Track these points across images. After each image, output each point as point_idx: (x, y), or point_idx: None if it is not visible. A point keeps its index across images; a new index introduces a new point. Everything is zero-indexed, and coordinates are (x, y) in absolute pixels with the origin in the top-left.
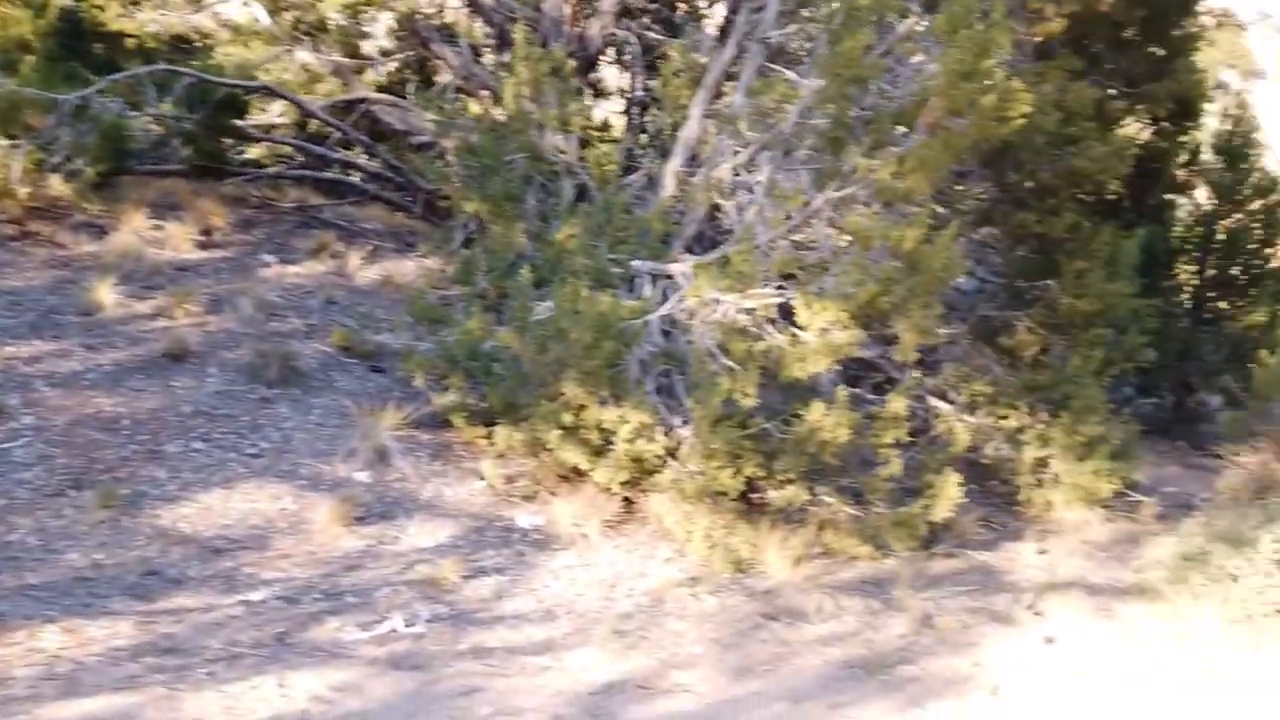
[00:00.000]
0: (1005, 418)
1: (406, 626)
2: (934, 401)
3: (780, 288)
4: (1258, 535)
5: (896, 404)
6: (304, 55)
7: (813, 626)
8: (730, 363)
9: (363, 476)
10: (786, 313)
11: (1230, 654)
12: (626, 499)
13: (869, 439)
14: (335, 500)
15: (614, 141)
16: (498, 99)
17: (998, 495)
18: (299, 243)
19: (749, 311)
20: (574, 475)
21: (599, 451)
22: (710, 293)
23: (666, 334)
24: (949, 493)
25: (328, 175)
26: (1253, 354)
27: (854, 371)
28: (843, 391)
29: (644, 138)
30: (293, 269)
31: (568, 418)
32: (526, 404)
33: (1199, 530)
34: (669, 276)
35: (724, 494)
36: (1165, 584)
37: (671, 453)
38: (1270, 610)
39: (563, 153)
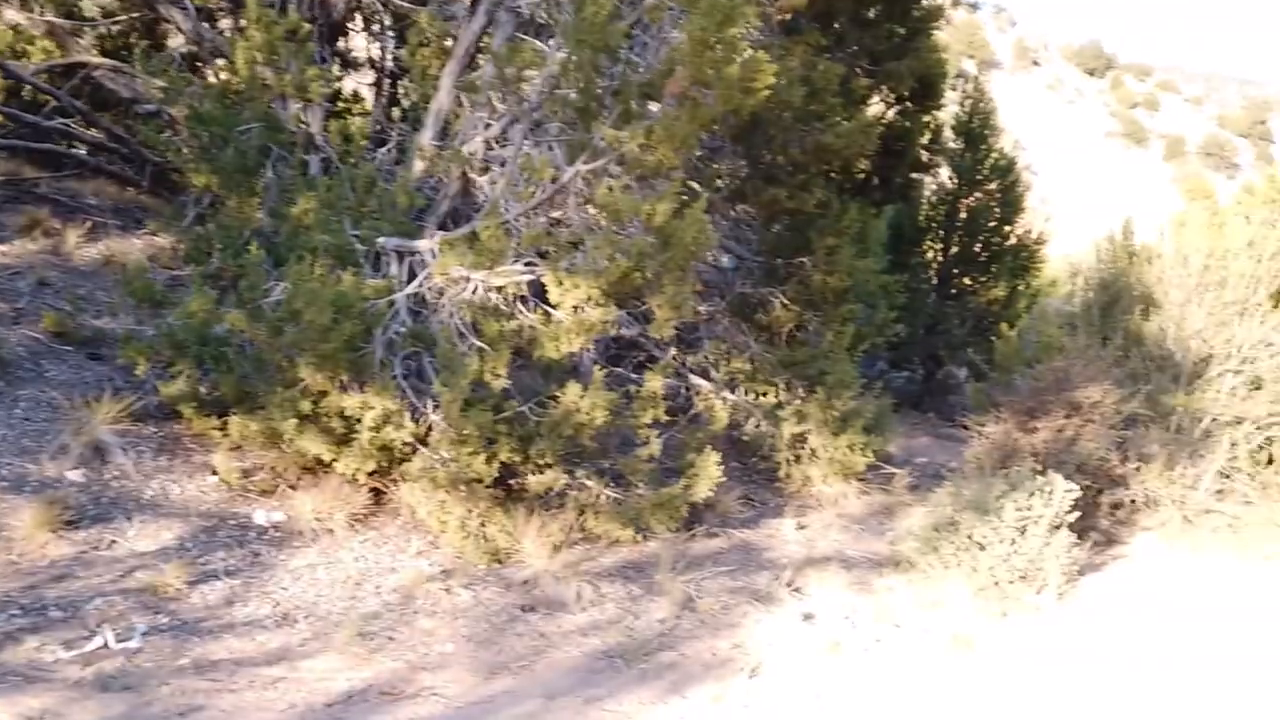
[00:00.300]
0: (764, 394)
1: (118, 642)
2: (695, 380)
3: (531, 264)
4: (1002, 504)
5: (654, 383)
6: (12, 15)
7: (572, 616)
8: (481, 343)
9: (75, 476)
10: (539, 291)
11: (979, 621)
12: (375, 490)
13: (628, 420)
14: (41, 503)
15: (365, 115)
16: (233, 66)
17: (758, 472)
18: (7, 219)
19: (499, 290)
20: (318, 467)
21: (342, 440)
22: (458, 270)
23: (416, 314)
24: (709, 472)
25: (45, 146)
26: (994, 327)
27: (616, 351)
28: (599, 371)
29: (396, 111)
30: None
31: (305, 405)
32: (262, 391)
33: (948, 500)
34: (416, 254)
35: (478, 481)
36: (917, 554)
37: (421, 439)
38: (1015, 577)
39: (303, 123)
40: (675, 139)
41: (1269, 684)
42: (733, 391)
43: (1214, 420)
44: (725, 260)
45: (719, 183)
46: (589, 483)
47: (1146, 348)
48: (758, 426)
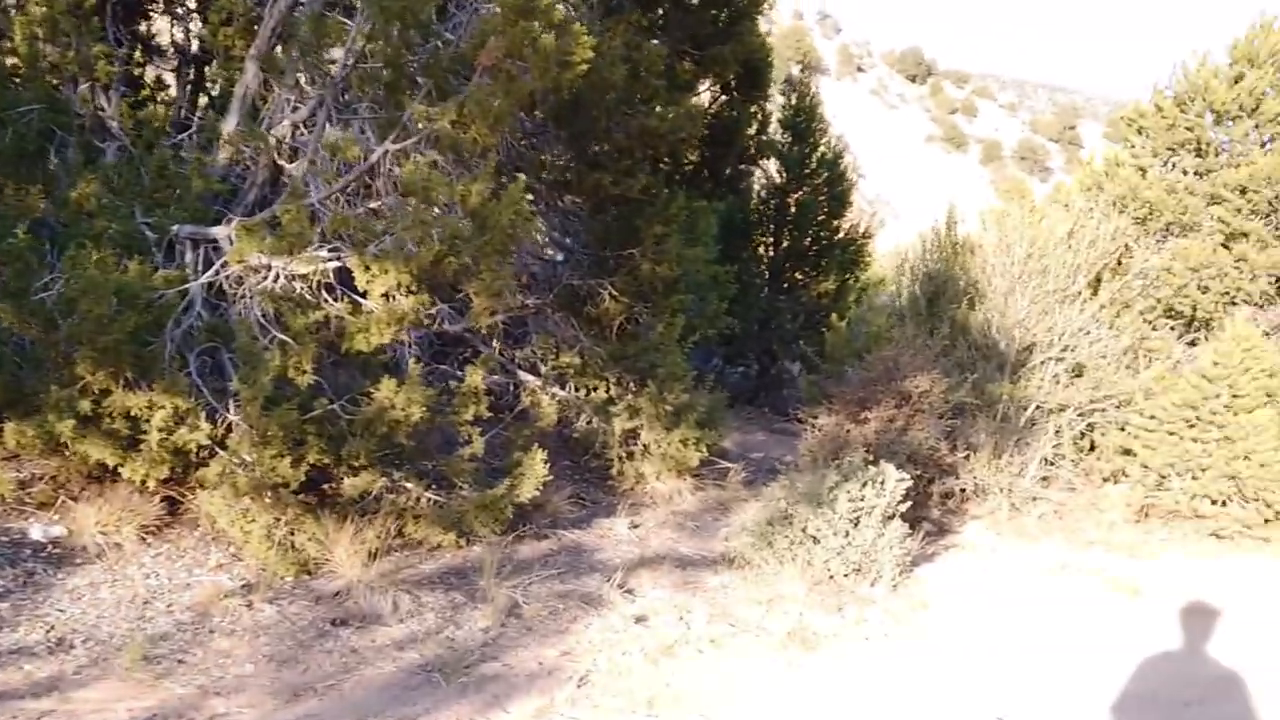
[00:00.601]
0: (595, 389)
1: None
2: (523, 375)
3: (336, 250)
4: (835, 495)
5: (475, 378)
6: None
7: (387, 629)
8: (286, 337)
9: None
10: (349, 279)
11: (814, 617)
12: (170, 499)
13: (449, 417)
14: None
15: (169, 102)
16: (12, 44)
17: (590, 470)
18: None
19: (304, 278)
20: (105, 475)
21: (129, 444)
22: (257, 257)
23: (215, 307)
24: (536, 471)
25: None
26: (825, 321)
27: (441, 347)
28: (416, 366)
29: (204, 98)
30: None
31: (85, 405)
32: (38, 392)
33: (781, 494)
34: (213, 242)
35: (284, 485)
36: (752, 550)
37: (220, 442)
38: (849, 569)
39: (96, 107)
40: (489, 115)
41: (1095, 669)
42: (562, 387)
43: (1038, 408)
44: (553, 252)
45: (544, 170)
46: (408, 485)
47: (972, 337)
48: (589, 423)
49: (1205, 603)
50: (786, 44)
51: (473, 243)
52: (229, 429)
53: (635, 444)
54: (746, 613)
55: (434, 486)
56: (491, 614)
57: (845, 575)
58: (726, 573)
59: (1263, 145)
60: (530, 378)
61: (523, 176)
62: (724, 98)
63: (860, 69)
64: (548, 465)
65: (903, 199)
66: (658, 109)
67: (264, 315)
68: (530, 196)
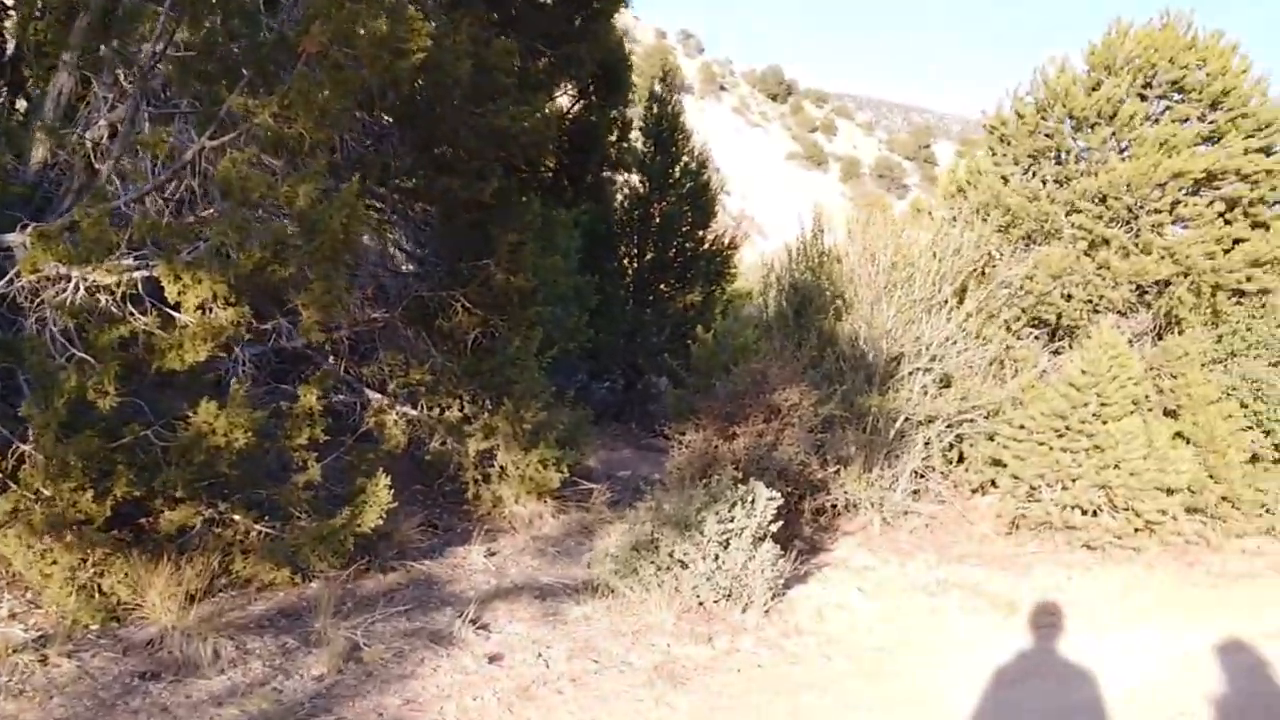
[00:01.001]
0: (448, 408)
1: None
2: (371, 394)
3: (144, 258)
4: (703, 517)
5: (309, 397)
6: None
7: (205, 681)
8: (88, 355)
9: None
10: (160, 291)
11: (683, 648)
12: None
13: (281, 442)
14: None
15: None
16: None
17: (444, 495)
18: None
19: (108, 289)
20: None
21: None
22: (53, 266)
23: (11, 322)
24: (379, 498)
25: None
26: (691, 333)
27: (279, 365)
28: (239, 386)
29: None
30: None
31: None
32: None
33: (647, 516)
34: (7, 250)
35: (88, 522)
36: (616, 578)
37: (10, 474)
38: (720, 595)
39: None
40: (315, 108)
41: (975, 693)
42: (414, 406)
43: (907, 420)
44: (405, 263)
45: (389, 175)
46: (235, 517)
47: (840, 348)
48: (442, 444)
49: (1078, 620)
50: (650, 63)
51: (301, 249)
52: (20, 460)
53: (492, 465)
54: (611, 646)
55: (266, 518)
56: (327, 659)
57: (715, 602)
58: (590, 602)
59: (1121, 152)
60: (378, 396)
61: (357, 177)
62: (582, 103)
63: (723, 88)
64: (395, 490)
65: (767, 216)
66: (509, 109)
67: (63, 331)
68: (379, 204)
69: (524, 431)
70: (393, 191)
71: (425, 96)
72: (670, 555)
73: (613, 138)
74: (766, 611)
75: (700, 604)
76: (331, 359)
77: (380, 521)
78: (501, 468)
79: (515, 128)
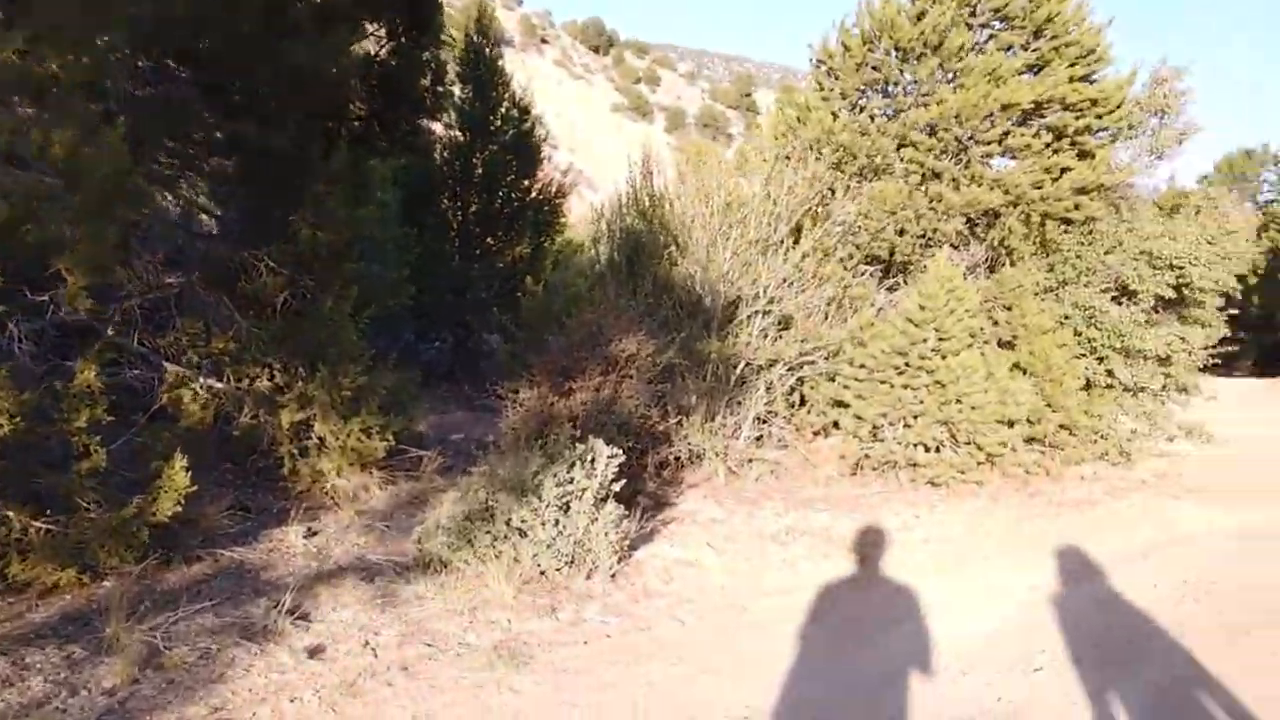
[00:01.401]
0: (256, 379)
1: None
2: (170, 367)
3: None
4: (540, 480)
5: (87, 374)
6: None
7: None
8: None
9: None
10: None
11: (526, 623)
12: None
13: (59, 425)
14: None
15: None
16: None
17: (259, 473)
18: None
19: None
20: None
21: None
22: None
23: None
24: (176, 481)
25: None
26: (522, 287)
27: (60, 338)
28: None
29: None
30: None
31: None
32: None
33: (481, 483)
34: None
35: None
36: (449, 551)
37: None
38: (562, 562)
39: None
40: (66, 42)
41: (832, 649)
42: (219, 378)
43: (748, 365)
44: (206, 221)
45: (183, 124)
46: (8, 514)
47: (677, 294)
48: (253, 417)
49: (928, 560)
50: (468, 16)
51: (61, 204)
52: None
53: (309, 438)
54: (446, 627)
55: (47, 513)
56: (121, 668)
57: (558, 570)
58: (422, 580)
59: (949, 83)
60: (178, 369)
61: (122, 120)
62: (391, 44)
63: (544, 40)
64: (200, 472)
65: (597, 169)
66: (307, 45)
67: None
68: (170, 159)
69: (343, 399)
70: (185, 143)
71: (210, 30)
72: (507, 523)
73: (426, 82)
74: (613, 576)
75: (542, 573)
76: (119, 330)
77: (179, 508)
78: (320, 439)
79: (310, 63)
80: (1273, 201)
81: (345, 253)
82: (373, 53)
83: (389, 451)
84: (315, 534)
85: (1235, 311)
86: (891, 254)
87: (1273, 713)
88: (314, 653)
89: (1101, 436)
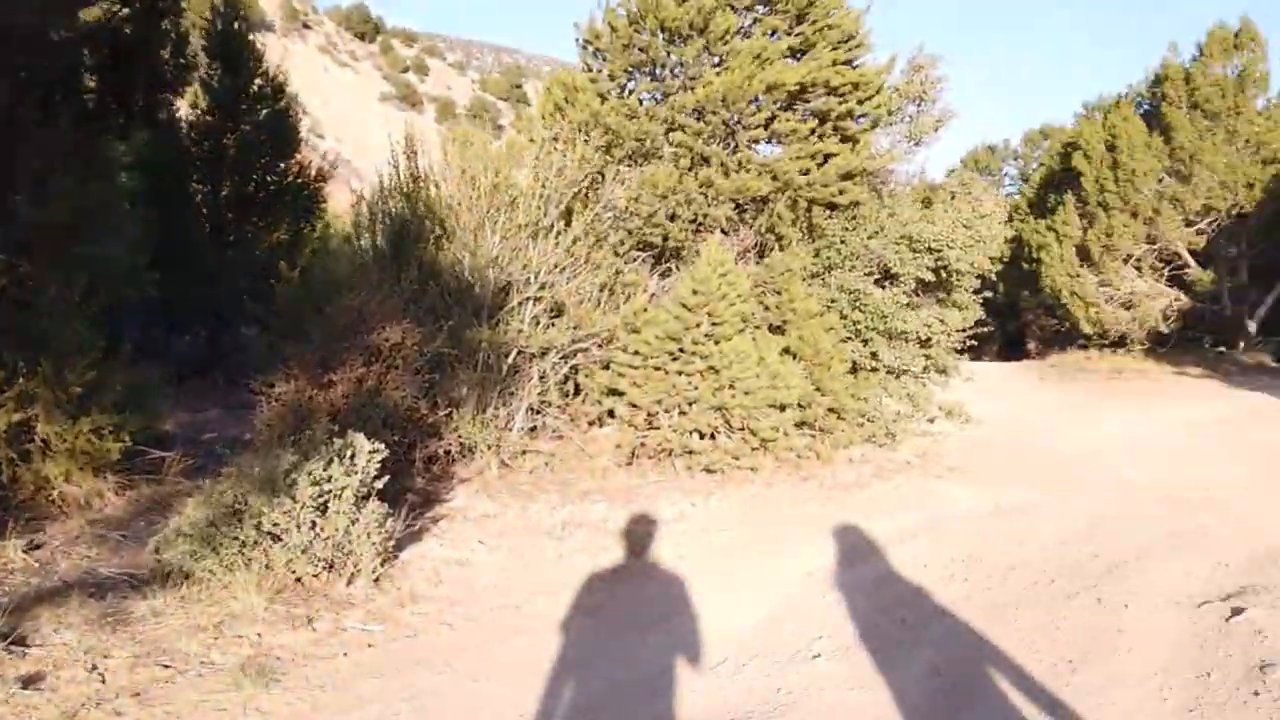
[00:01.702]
0: None
1: None
2: None
3: None
4: (294, 479)
5: None
6: None
7: None
8: None
9: None
10: None
11: (278, 635)
12: None
13: None
14: None
15: None
16: None
17: None
18: None
19: None
20: None
21: None
22: None
23: None
24: None
25: None
26: (279, 274)
27: None
28: None
29: None
30: None
31: None
32: None
33: (229, 484)
34: None
35: None
36: (192, 561)
37: None
38: (320, 568)
39: None
40: None
41: (605, 636)
42: None
43: (520, 353)
44: None
45: None
46: None
47: (444, 280)
48: None
49: (705, 550)
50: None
51: None
52: None
53: (31, 440)
54: (186, 645)
55: None
56: None
57: (315, 576)
58: (161, 594)
59: (716, 65)
60: None
61: None
62: (124, 10)
63: (306, 25)
64: None
65: (364, 158)
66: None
67: None
68: None
69: (69, 396)
70: None
71: None
72: (257, 527)
73: (166, 54)
74: (376, 580)
75: (298, 580)
76: None
77: None
78: (44, 441)
79: (22, 25)
80: (1012, 194)
81: (72, 235)
82: (104, 17)
83: (127, 453)
84: (39, 547)
85: (989, 295)
86: (665, 240)
87: (1052, 684)
88: (29, 682)
89: (868, 419)
